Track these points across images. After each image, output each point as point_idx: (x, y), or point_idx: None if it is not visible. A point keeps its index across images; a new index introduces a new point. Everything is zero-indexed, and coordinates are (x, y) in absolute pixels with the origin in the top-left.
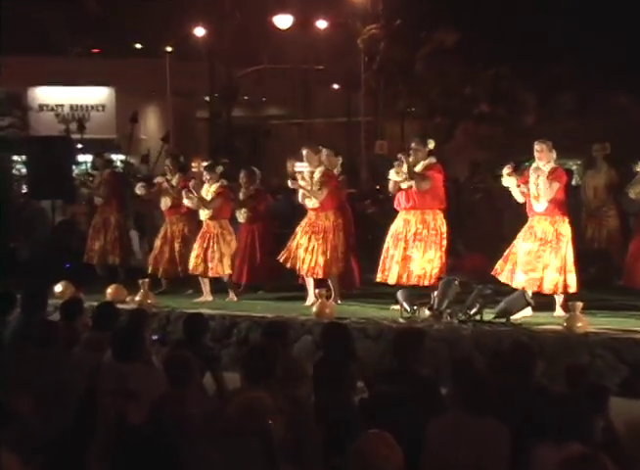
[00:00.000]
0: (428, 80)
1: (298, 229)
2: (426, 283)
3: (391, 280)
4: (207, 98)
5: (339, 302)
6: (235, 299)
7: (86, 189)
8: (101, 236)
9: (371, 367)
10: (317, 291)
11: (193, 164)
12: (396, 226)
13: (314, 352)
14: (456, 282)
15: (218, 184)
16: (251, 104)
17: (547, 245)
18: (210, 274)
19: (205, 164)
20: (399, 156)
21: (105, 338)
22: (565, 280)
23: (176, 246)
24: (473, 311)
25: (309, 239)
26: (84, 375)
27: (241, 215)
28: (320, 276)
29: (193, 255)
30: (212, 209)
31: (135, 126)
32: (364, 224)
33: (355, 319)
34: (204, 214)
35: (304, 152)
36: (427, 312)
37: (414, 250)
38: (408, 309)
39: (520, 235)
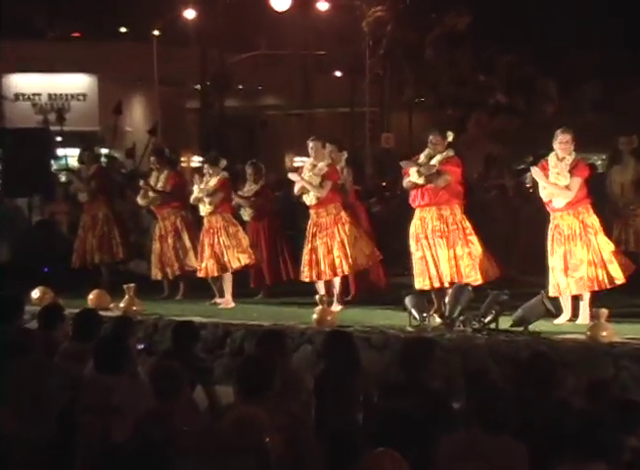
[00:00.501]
0: (438, 67)
1: (307, 235)
2: (472, 281)
3: (432, 283)
4: (198, 87)
5: (339, 307)
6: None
7: (77, 185)
8: (89, 235)
9: (376, 380)
10: (317, 296)
11: (182, 159)
12: (415, 226)
13: (315, 362)
14: (469, 287)
15: (219, 177)
16: (245, 93)
17: (577, 239)
18: (230, 269)
19: (197, 158)
20: (403, 163)
21: (87, 348)
22: (608, 273)
23: (170, 241)
24: (487, 319)
25: (315, 239)
26: (64, 388)
27: (246, 213)
28: (344, 273)
29: (204, 256)
30: (214, 203)
31: (119, 118)
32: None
33: (359, 327)
34: (204, 209)
35: (312, 144)
36: (437, 320)
37: (437, 248)
38: (417, 317)
39: (549, 242)
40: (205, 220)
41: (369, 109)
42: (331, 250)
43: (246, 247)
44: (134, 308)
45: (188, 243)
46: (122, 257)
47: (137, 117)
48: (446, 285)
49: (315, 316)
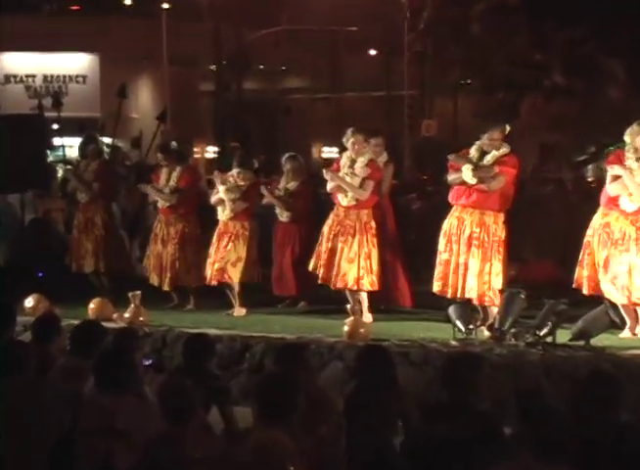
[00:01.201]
0: (487, 45)
1: (325, 229)
2: (485, 302)
3: (452, 292)
4: (213, 67)
5: (369, 318)
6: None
7: (75, 184)
8: (83, 237)
9: (415, 401)
10: (348, 306)
11: (195, 150)
12: (450, 224)
13: (346, 381)
14: (522, 295)
15: (249, 182)
16: (266, 74)
17: (630, 244)
18: (219, 278)
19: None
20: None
21: (86, 364)
22: None
23: (170, 249)
24: (543, 332)
25: (337, 240)
26: (61, 410)
27: (282, 215)
28: (363, 289)
29: (209, 261)
30: (236, 211)
31: (123, 102)
32: (407, 223)
33: (396, 341)
34: (223, 214)
35: (352, 138)
36: (486, 333)
37: (470, 258)
38: (462, 329)
39: (590, 235)
40: (221, 224)
41: (407, 92)
42: (355, 258)
43: (254, 261)
44: (140, 319)
45: (190, 257)
46: (119, 266)
47: (144, 101)
48: (469, 298)
49: (346, 328)
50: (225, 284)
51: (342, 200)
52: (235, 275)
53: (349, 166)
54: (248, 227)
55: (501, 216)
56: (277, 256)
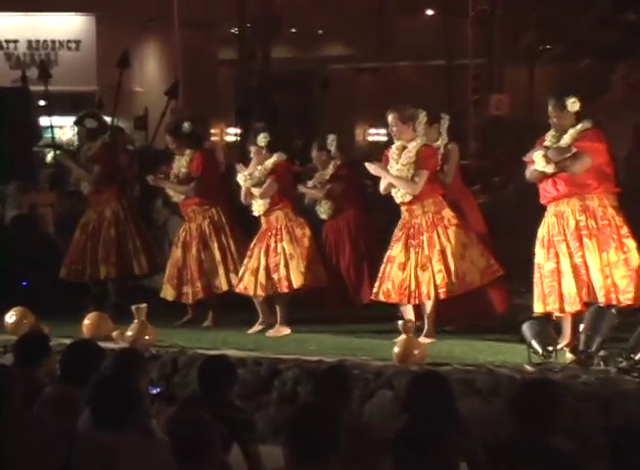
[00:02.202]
0: (570, 2)
1: (394, 240)
2: (627, 299)
3: (571, 306)
4: (235, 31)
5: (432, 339)
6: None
7: (78, 171)
8: (92, 240)
9: (482, 438)
10: (400, 323)
11: (213, 131)
12: (546, 227)
13: (396, 414)
14: (612, 310)
15: (274, 159)
16: (300, 40)
17: None
18: (288, 288)
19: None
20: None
21: (80, 393)
22: None
23: (193, 251)
24: (639, 356)
25: (406, 249)
26: (50, 449)
27: (322, 209)
28: (445, 294)
29: (250, 267)
30: (267, 195)
31: (125, 73)
32: None
33: (458, 365)
34: (257, 207)
35: (391, 117)
36: (568, 356)
37: (586, 252)
38: (539, 351)
39: None
40: (263, 221)
41: (472, 61)
42: (427, 263)
43: (313, 260)
44: (146, 338)
45: (217, 255)
46: (143, 270)
47: (150, 72)
48: (600, 302)
49: (397, 350)
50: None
51: (396, 195)
52: (291, 280)
53: (399, 155)
54: (294, 218)
55: (608, 199)
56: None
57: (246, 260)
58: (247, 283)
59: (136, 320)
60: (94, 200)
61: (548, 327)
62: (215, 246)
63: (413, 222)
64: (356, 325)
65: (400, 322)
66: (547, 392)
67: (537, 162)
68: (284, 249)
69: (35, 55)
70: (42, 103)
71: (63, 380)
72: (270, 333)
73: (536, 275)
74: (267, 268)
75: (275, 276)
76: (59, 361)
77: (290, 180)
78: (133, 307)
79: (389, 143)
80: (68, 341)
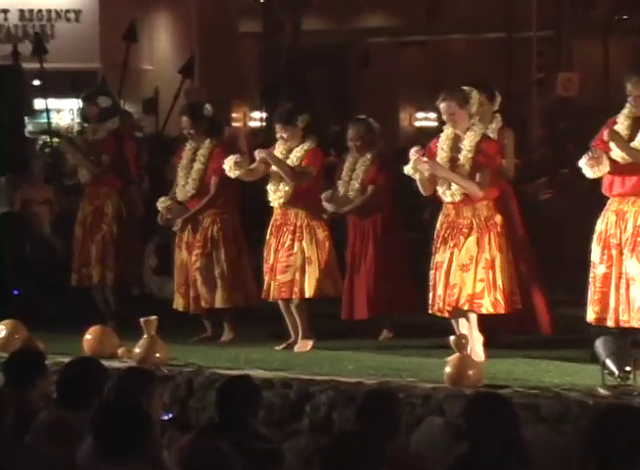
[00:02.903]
0: None
1: (435, 241)
2: None
3: (614, 320)
4: None
5: (481, 354)
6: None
7: (75, 156)
8: (88, 236)
9: None
10: (452, 338)
11: (234, 116)
12: (605, 222)
13: (448, 444)
14: None
15: (305, 145)
16: (335, 9)
17: None
18: (283, 296)
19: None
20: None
21: (81, 419)
22: None
23: (193, 257)
24: None
25: (445, 249)
26: None
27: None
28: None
29: (267, 267)
30: (292, 190)
31: (133, 48)
32: (532, 220)
33: (521, 388)
34: (275, 197)
35: (446, 103)
36: None
37: (634, 261)
38: (615, 372)
39: None
40: (277, 213)
41: (536, 33)
42: (470, 266)
43: (332, 268)
44: (157, 356)
45: (224, 266)
46: (128, 277)
47: (161, 47)
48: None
49: (449, 370)
50: (286, 302)
51: (445, 193)
52: (304, 287)
53: (452, 148)
54: (317, 217)
55: None
56: (349, 265)
57: (265, 262)
58: (265, 286)
59: (145, 335)
60: (92, 191)
61: (626, 344)
62: (222, 256)
63: (459, 222)
64: (400, 340)
65: (452, 337)
66: (625, 419)
67: (615, 148)
68: (302, 250)
69: (29, 27)
70: (36, 83)
71: (60, 404)
72: (298, 348)
73: (591, 275)
74: (274, 268)
75: (282, 278)
76: (55, 382)
77: (321, 172)
78: (142, 320)
79: (441, 130)
80: (66, 359)
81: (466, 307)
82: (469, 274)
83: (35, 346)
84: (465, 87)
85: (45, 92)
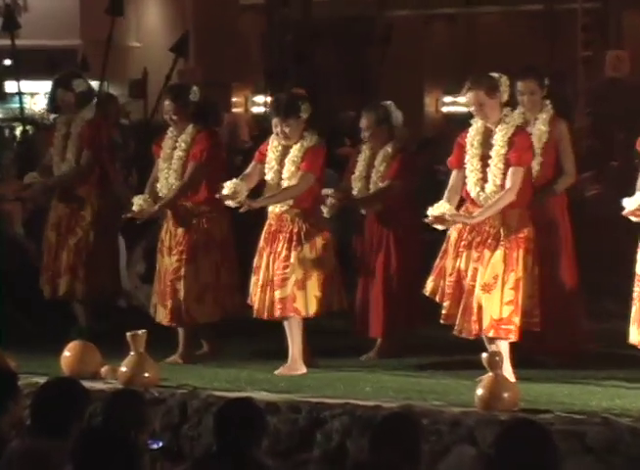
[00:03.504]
0: None
1: (453, 234)
2: None
3: None
4: None
5: (511, 374)
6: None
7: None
8: (61, 241)
9: None
10: (484, 356)
11: (234, 100)
12: None
13: None
14: None
15: (308, 143)
16: None
17: None
18: (278, 314)
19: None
20: None
21: (58, 448)
22: None
23: (173, 260)
24: None
25: (467, 255)
26: None
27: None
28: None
29: (255, 280)
30: (295, 194)
31: (118, 23)
32: (577, 219)
33: (562, 413)
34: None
35: (473, 93)
36: None
37: None
38: None
39: None
40: (271, 218)
41: (582, 5)
42: (494, 285)
43: (333, 280)
44: (146, 376)
45: (207, 275)
46: (111, 288)
47: (151, 21)
48: None
49: (480, 392)
50: (284, 319)
51: (479, 196)
52: (304, 304)
53: (483, 144)
54: (316, 223)
55: None
56: (360, 273)
57: (254, 274)
58: (258, 303)
59: (132, 352)
60: (68, 190)
61: None
62: (206, 263)
63: (485, 229)
64: (423, 357)
65: (484, 355)
66: None
67: None
68: (300, 261)
69: None
70: (7, 62)
71: (35, 431)
72: (280, 371)
73: (636, 290)
74: (271, 282)
75: (280, 294)
76: (29, 406)
77: (322, 173)
78: (128, 335)
79: (472, 116)
80: (41, 379)
81: (491, 334)
82: (493, 296)
83: (6, 364)
84: (494, 73)
85: (17, 73)
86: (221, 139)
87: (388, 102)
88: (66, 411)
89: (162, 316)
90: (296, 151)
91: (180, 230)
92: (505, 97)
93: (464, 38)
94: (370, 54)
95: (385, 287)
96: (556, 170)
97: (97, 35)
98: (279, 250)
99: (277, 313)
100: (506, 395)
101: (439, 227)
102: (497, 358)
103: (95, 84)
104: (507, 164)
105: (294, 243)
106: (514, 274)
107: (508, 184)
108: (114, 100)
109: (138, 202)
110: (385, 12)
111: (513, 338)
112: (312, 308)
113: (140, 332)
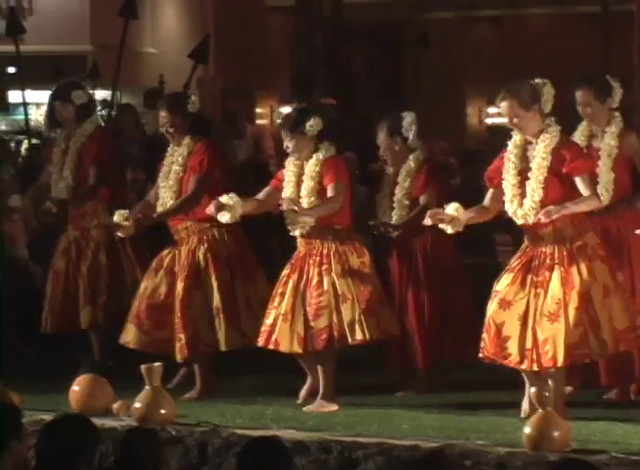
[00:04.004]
0: None
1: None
2: None
3: None
4: None
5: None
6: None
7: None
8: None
9: None
10: (533, 391)
11: (259, 111)
12: None
13: None
14: None
15: (321, 154)
16: None
17: None
18: (324, 345)
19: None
20: None
21: None
22: None
23: (179, 289)
24: None
25: (522, 286)
26: None
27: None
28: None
29: (272, 312)
30: (334, 206)
31: (132, 27)
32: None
33: (617, 454)
34: (294, 228)
35: (506, 104)
36: None
37: None
38: None
39: None
40: (300, 243)
41: None
42: (558, 311)
43: (378, 302)
44: (161, 412)
45: (217, 298)
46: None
47: (168, 24)
48: None
49: (529, 431)
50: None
51: (515, 213)
52: (347, 333)
53: (521, 157)
54: (350, 242)
55: None
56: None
57: (272, 301)
58: (279, 334)
59: (147, 386)
60: (74, 210)
61: None
62: (214, 284)
63: (539, 250)
64: (465, 394)
65: (533, 390)
66: None
67: None
68: (333, 285)
69: (1, 0)
70: (11, 70)
71: None
72: (310, 408)
73: None
74: (305, 313)
75: (316, 325)
76: (34, 446)
77: (349, 183)
78: (143, 368)
79: None
80: (48, 416)
81: (560, 364)
82: (561, 324)
83: (9, 399)
84: (537, 80)
85: (22, 82)
86: (219, 149)
87: (406, 113)
88: (74, 451)
89: (130, 339)
90: (312, 166)
91: (184, 251)
92: (549, 107)
93: (509, 43)
94: (406, 60)
95: (422, 314)
96: (633, 187)
97: (109, 40)
98: (310, 276)
99: (321, 345)
100: (556, 434)
101: (450, 230)
102: (547, 394)
103: (107, 94)
104: (552, 177)
105: (325, 267)
106: (577, 289)
107: (585, 193)
108: (131, 110)
109: (115, 216)
110: (422, 14)
111: (587, 360)
112: (355, 337)
113: (155, 365)
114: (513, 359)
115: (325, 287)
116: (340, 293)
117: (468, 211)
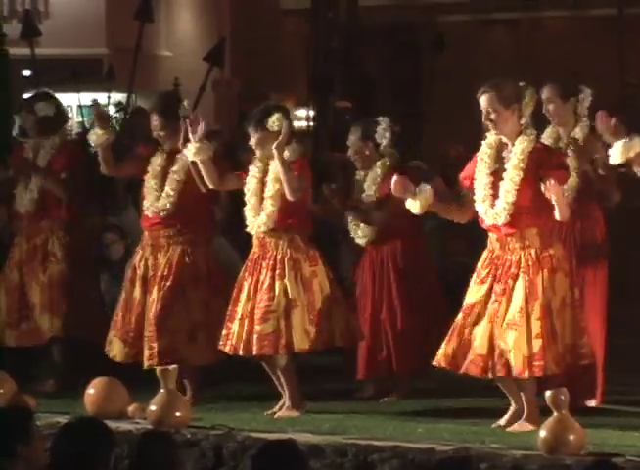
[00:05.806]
0: None
1: (475, 281)
2: None
3: None
4: None
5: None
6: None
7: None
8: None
9: None
10: (548, 394)
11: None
12: None
13: None
14: None
15: (289, 156)
16: None
17: None
18: (268, 351)
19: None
20: None
21: None
22: None
23: (154, 297)
24: None
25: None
26: None
27: (359, 232)
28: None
29: (237, 313)
30: (275, 213)
31: (147, 29)
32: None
33: (633, 457)
34: (258, 223)
35: (486, 98)
36: None
37: None
38: None
39: None
40: (255, 244)
41: None
42: (520, 321)
43: (327, 311)
44: (177, 415)
45: (196, 307)
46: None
47: (183, 27)
48: None
49: (544, 435)
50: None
51: (487, 213)
52: (294, 340)
53: (495, 158)
54: (304, 249)
55: None
56: (363, 310)
57: (233, 304)
58: (236, 339)
59: (162, 389)
60: (29, 225)
61: None
62: (194, 296)
63: (505, 258)
64: (479, 398)
65: (548, 393)
66: None
67: None
68: (285, 290)
69: (17, 3)
70: (27, 73)
71: None
72: (281, 413)
73: None
74: (252, 316)
75: (262, 329)
76: (49, 449)
77: (309, 190)
78: (158, 370)
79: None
80: (62, 419)
81: (526, 374)
82: (520, 333)
83: (24, 402)
84: (522, 83)
85: (37, 85)
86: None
87: (382, 118)
88: (89, 455)
89: (119, 353)
90: (277, 168)
91: (162, 259)
92: (528, 111)
93: (525, 46)
94: (421, 63)
95: (393, 321)
96: None
97: (124, 43)
98: (262, 279)
99: (264, 351)
100: (572, 437)
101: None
102: (562, 397)
103: (123, 96)
104: (527, 180)
105: (278, 271)
106: (540, 301)
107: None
108: (144, 113)
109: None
110: (438, 17)
111: (547, 372)
112: (300, 344)
113: (171, 367)
114: (473, 369)
115: (276, 291)
116: (291, 298)
117: (442, 202)
